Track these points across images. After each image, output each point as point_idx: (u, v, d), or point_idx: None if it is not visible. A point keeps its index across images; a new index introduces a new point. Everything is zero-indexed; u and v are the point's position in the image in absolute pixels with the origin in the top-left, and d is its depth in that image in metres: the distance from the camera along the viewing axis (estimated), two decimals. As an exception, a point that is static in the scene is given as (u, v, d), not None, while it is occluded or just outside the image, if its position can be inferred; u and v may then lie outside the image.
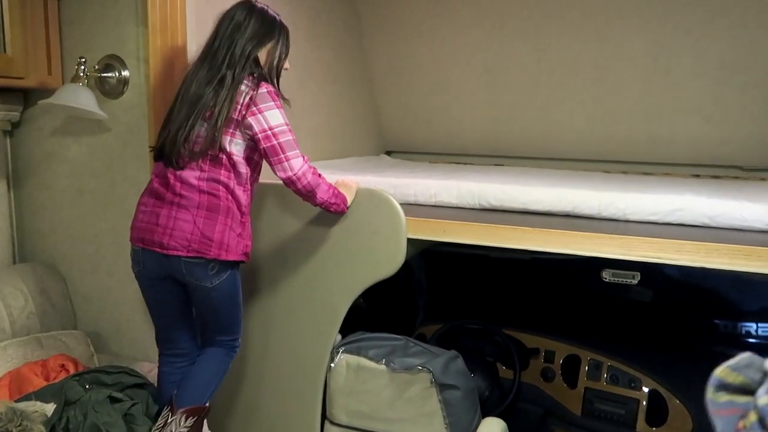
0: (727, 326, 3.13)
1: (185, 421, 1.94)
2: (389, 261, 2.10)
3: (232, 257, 1.86)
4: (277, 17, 1.97)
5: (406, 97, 3.92)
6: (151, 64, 2.19)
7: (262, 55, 1.94)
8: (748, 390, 0.67)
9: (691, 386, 2.69)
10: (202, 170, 1.84)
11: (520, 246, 2.04)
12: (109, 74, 2.26)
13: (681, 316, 3.12)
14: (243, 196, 1.90)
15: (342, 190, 2.06)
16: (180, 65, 2.31)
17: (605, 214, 2.38)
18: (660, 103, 3.39)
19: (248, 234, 1.95)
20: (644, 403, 2.77)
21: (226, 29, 1.90)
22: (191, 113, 1.83)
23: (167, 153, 1.86)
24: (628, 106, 3.46)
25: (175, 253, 1.83)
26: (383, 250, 2.11)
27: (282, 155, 1.84)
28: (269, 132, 1.83)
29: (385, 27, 3.72)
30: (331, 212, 2.06)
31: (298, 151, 1.88)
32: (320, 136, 3.36)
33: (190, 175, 1.84)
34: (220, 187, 1.85)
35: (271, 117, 1.83)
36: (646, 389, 2.78)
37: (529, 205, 2.49)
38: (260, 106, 1.83)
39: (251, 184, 1.96)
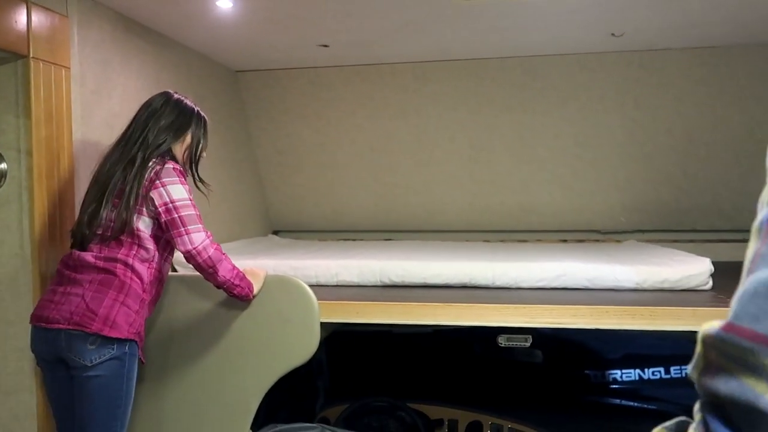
0: (597, 376, 3.40)
1: None
2: (302, 348, 2.08)
3: (116, 334, 1.75)
4: (194, 108, 2.02)
5: (292, 177, 3.98)
6: (34, 156, 2.05)
7: (179, 146, 1.97)
8: None
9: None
10: (100, 250, 1.84)
11: (434, 322, 2.11)
12: (-18, 168, 2.08)
13: (567, 372, 3.33)
14: (146, 273, 1.86)
15: (249, 278, 2.01)
16: (66, 157, 2.20)
17: (498, 283, 2.57)
18: (528, 177, 3.75)
19: (144, 314, 1.87)
20: (545, 460, 2.89)
21: (141, 115, 1.94)
22: (101, 195, 1.85)
23: (76, 236, 1.89)
24: (500, 180, 3.78)
25: (57, 326, 1.75)
26: (296, 337, 2.08)
27: (182, 228, 1.82)
28: (170, 205, 1.82)
29: (269, 111, 3.78)
30: (234, 296, 1.97)
31: (200, 226, 1.86)
32: (210, 222, 3.25)
33: (88, 255, 1.83)
34: (118, 264, 1.82)
35: (173, 191, 1.83)
36: (545, 447, 2.91)
37: (429, 279, 2.61)
38: (163, 179, 1.83)
39: (160, 263, 1.92)
